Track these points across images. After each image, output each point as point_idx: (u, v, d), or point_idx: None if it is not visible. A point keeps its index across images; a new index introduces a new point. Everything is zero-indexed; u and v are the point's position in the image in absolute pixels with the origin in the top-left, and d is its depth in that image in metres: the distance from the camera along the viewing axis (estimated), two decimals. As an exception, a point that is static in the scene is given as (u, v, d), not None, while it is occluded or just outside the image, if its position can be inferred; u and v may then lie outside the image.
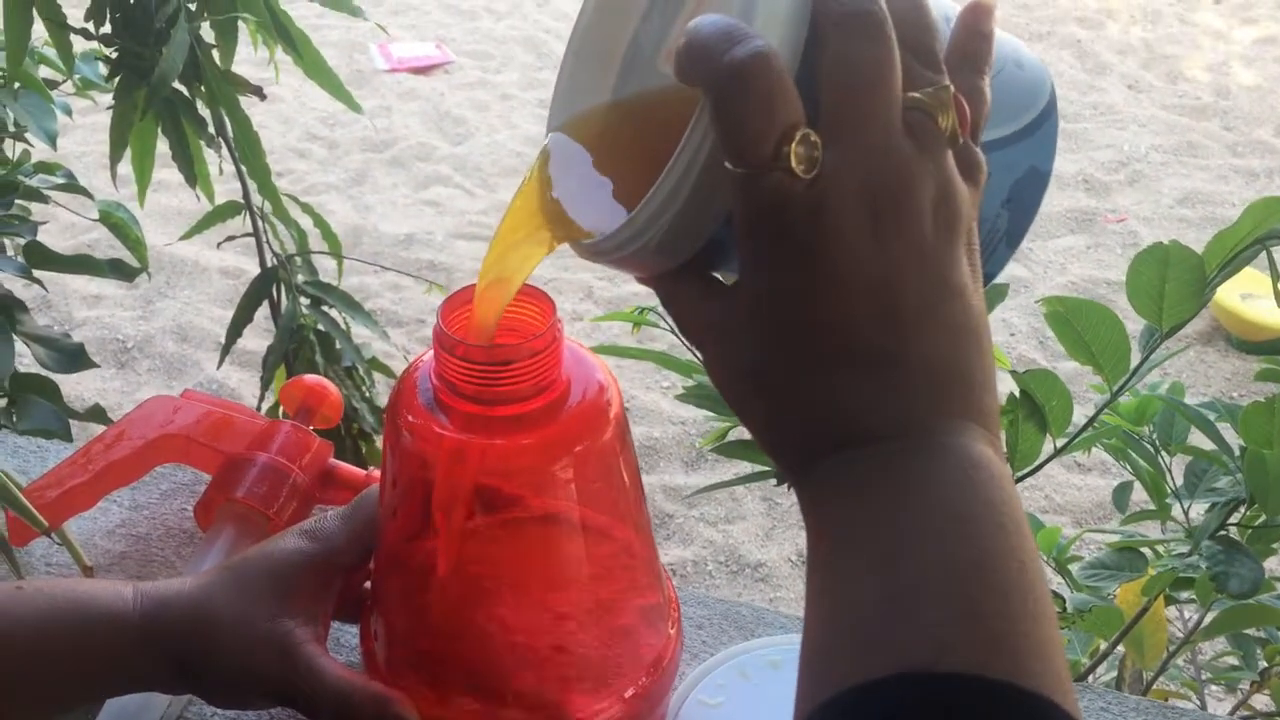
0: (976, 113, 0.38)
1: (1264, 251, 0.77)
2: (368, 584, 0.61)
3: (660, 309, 0.97)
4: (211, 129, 1.28)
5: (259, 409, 1.32)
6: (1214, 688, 1.57)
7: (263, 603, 0.56)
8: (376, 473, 0.72)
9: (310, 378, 0.76)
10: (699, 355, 0.40)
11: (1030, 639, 0.33)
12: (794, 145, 0.34)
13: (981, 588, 0.33)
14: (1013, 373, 0.81)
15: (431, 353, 0.52)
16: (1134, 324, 0.83)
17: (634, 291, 2.81)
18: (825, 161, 0.35)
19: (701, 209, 0.37)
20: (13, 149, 1.31)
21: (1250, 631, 1.04)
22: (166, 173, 1.68)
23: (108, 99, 1.32)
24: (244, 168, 1.30)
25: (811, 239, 0.35)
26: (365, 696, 0.54)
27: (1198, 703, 1.08)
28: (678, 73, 0.35)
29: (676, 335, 0.95)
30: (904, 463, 0.36)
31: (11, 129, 1.28)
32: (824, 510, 0.37)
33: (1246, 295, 2.60)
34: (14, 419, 1.12)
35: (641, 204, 0.37)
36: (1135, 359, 0.83)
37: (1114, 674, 1.05)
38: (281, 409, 0.78)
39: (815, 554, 0.37)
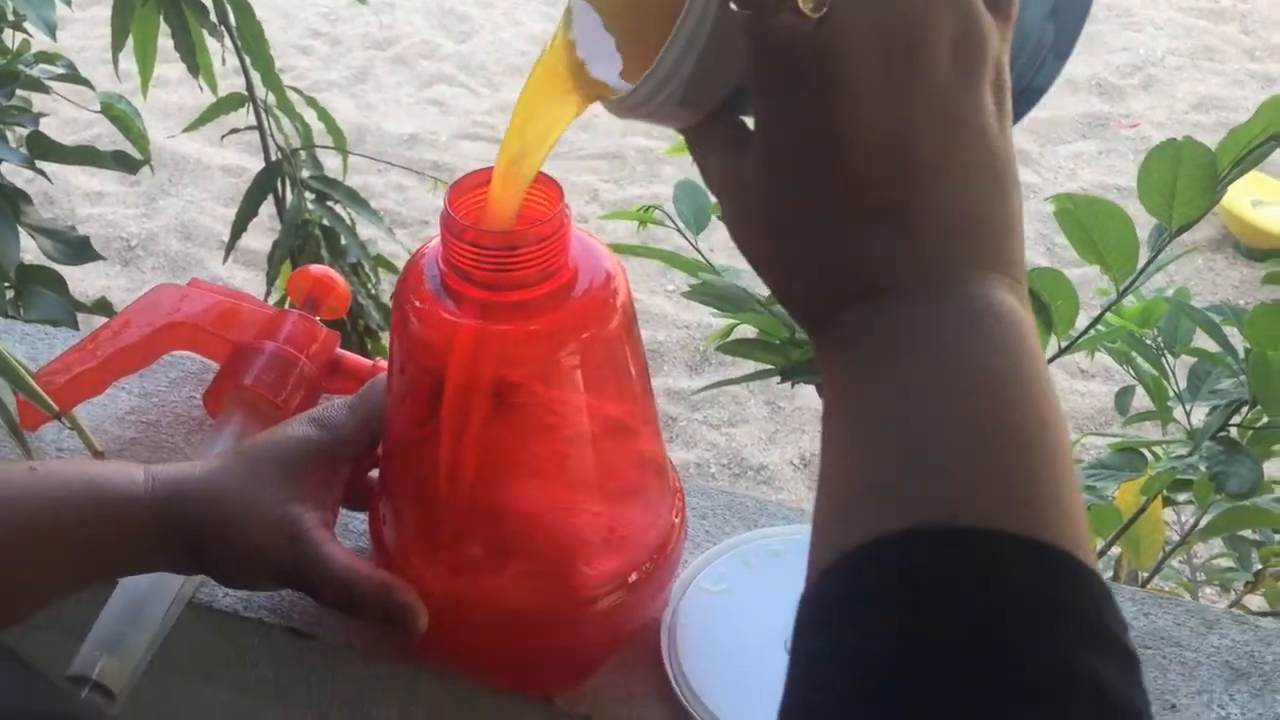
0: None
1: (1277, 149, 0.76)
2: (375, 472, 0.62)
3: (667, 206, 0.96)
4: (214, 17, 1.26)
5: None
6: (1208, 590, 1.59)
7: (272, 488, 0.56)
8: (383, 363, 0.72)
9: (316, 268, 0.76)
10: (722, 213, 0.39)
11: (1047, 490, 0.32)
12: None
13: (997, 441, 0.33)
14: (1020, 271, 0.81)
15: (438, 239, 0.52)
16: (1143, 230, 0.82)
17: (639, 194, 2.80)
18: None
19: (719, 57, 0.36)
20: (12, 39, 1.29)
21: (1245, 533, 1.05)
22: (168, 68, 1.66)
23: (107, -11, 1.29)
24: (247, 58, 1.29)
25: (820, 84, 0.34)
26: (371, 583, 0.55)
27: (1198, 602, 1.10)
28: None
29: (688, 239, 0.94)
30: (920, 313, 0.35)
31: (10, 18, 1.26)
32: (840, 363, 0.36)
33: (1257, 202, 2.58)
34: (20, 310, 1.12)
35: (660, 55, 0.36)
36: (1143, 261, 0.82)
37: (1110, 573, 1.07)
38: (289, 301, 0.78)
39: (831, 408, 0.36)
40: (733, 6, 0.34)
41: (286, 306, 0.76)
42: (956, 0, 0.35)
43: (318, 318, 0.74)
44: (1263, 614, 1.11)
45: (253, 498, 0.56)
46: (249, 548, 0.55)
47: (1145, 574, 1.01)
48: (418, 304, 0.52)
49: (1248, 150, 0.76)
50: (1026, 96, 0.41)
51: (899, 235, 0.35)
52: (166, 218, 2.75)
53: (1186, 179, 0.74)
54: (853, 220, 0.36)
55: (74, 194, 2.81)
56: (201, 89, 1.37)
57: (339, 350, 0.73)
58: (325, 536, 0.56)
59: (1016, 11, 0.37)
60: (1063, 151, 2.97)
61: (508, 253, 0.49)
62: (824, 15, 0.34)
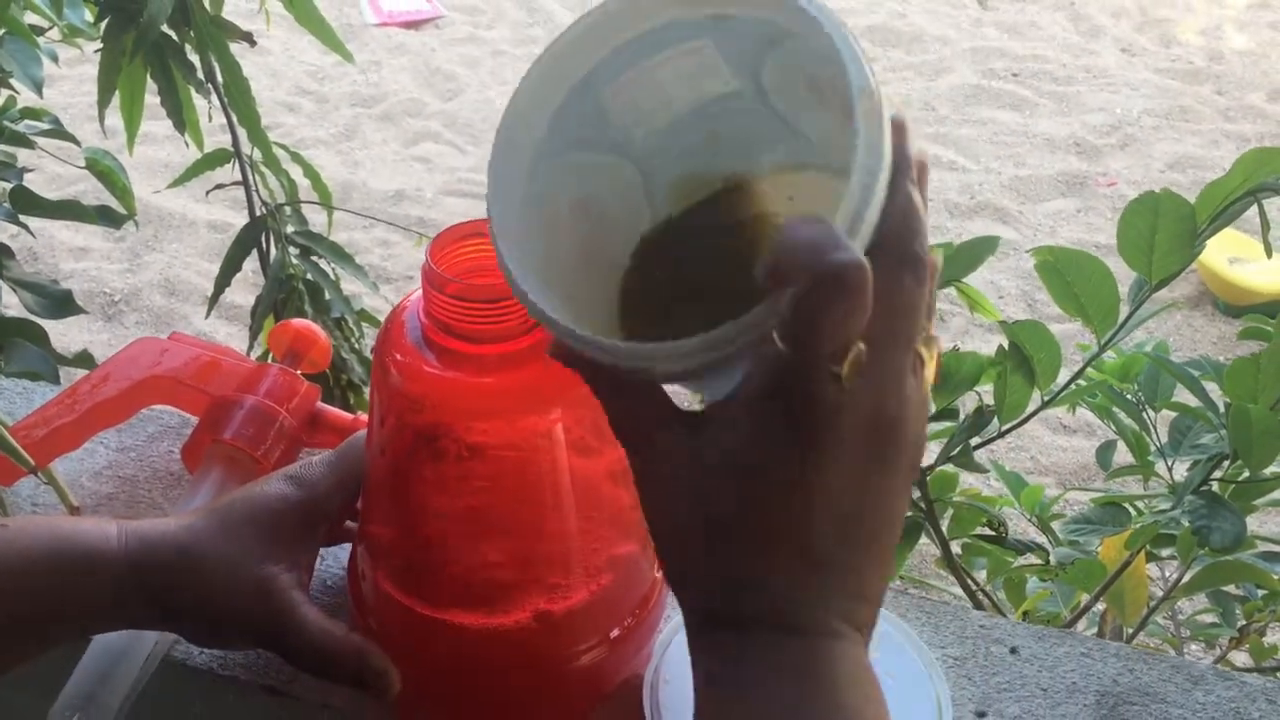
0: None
1: (1254, 205, 0.77)
2: (351, 524, 0.61)
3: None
4: (200, 75, 1.27)
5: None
6: (1193, 646, 1.59)
7: (248, 548, 0.56)
8: (364, 417, 0.72)
9: (298, 321, 0.76)
10: (634, 460, 0.41)
11: None
12: (850, 356, 0.36)
13: None
14: (1002, 323, 0.82)
15: (419, 292, 0.52)
16: (1123, 286, 0.83)
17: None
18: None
19: (729, 363, 0.38)
20: (-2, 95, 1.30)
21: (1229, 589, 1.04)
22: (154, 125, 1.67)
23: (94, 47, 1.30)
24: (233, 114, 1.29)
25: (818, 436, 0.37)
26: (344, 647, 0.55)
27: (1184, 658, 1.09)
28: (780, 246, 0.36)
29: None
30: (816, 657, 0.39)
31: (-4, 74, 1.27)
32: (725, 668, 0.39)
33: (1234, 259, 2.61)
34: (1, 362, 1.11)
35: (674, 344, 0.38)
36: (1124, 315, 0.83)
37: (1094, 629, 1.06)
38: (270, 355, 0.78)
39: (704, 701, 0.40)
40: (782, 346, 0.36)
41: (269, 360, 0.76)
42: (921, 404, 0.39)
43: (299, 371, 0.73)
44: (1248, 670, 1.11)
45: (228, 558, 0.55)
46: (222, 607, 0.55)
47: (1130, 629, 1.01)
48: (399, 357, 0.52)
49: (1226, 204, 0.77)
50: None
51: (821, 584, 0.39)
52: (151, 273, 2.75)
53: (1165, 232, 0.75)
54: (784, 553, 0.38)
55: (58, 249, 2.81)
56: (188, 145, 1.37)
57: (320, 404, 0.73)
58: (300, 598, 0.56)
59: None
60: (1041, 210, 3.00)
61: (490, 305, 0.49)
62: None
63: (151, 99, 1.32)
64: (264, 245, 1.37)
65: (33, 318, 1.18)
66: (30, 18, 1.31)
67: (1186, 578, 0.95)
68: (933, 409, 0.39)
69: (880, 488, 0.39)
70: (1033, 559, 1.02)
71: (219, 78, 1.28)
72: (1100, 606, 1.01)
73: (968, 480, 1.13)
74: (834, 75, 0.39)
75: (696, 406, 0.41)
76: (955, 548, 0.99)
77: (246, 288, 1.83)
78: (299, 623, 0.55)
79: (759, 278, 0.37)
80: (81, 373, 0.78)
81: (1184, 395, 0.94)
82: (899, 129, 0.39)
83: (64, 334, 2.43)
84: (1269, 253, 0.79)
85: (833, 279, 0.35)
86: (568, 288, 0.43)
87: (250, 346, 1.40)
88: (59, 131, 1.25)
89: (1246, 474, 0.86)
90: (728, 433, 0.38)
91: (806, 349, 0.36)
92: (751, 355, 0.38)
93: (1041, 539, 1.14)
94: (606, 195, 0.46)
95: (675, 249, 0.47)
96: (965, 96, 3.46)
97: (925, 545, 0.98)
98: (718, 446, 0.38)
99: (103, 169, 1.26)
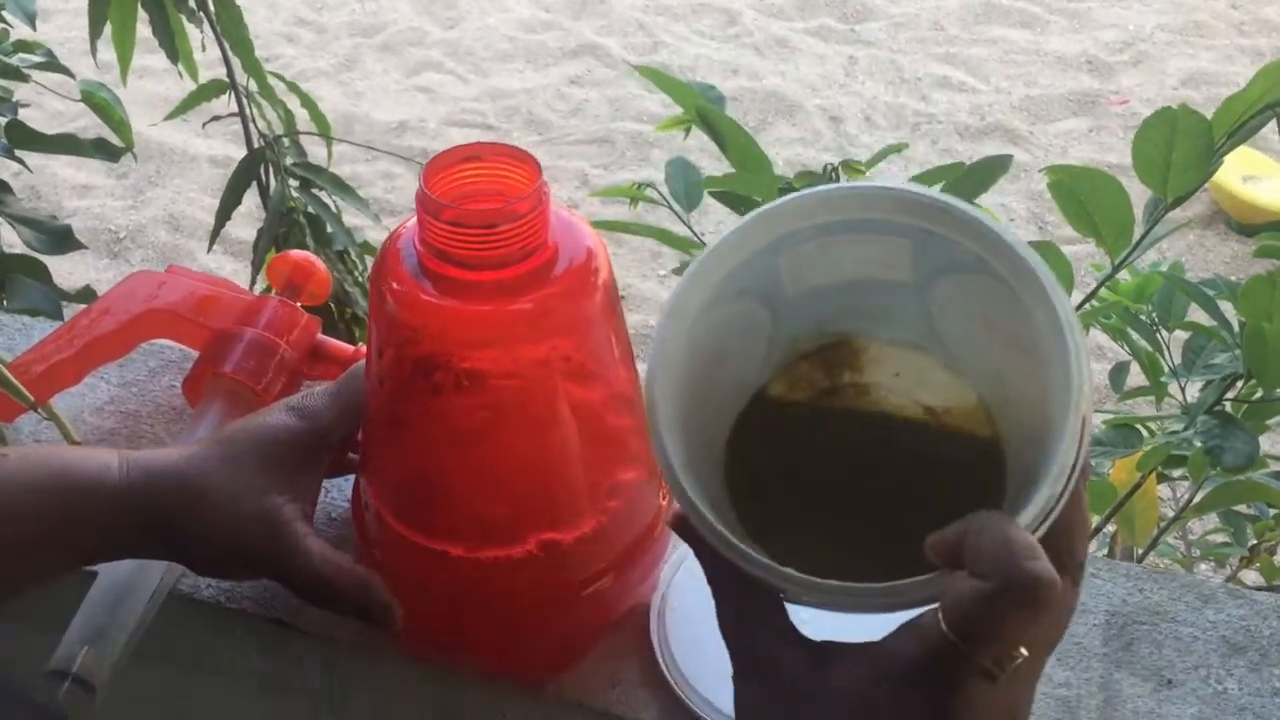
0: None
1: (1273, 119, 0.75)
2: (354, 455, 0.61)
3: (659, 185, 0.95)
4: (192, 3, 1.24)
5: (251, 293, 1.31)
6: (1203, 565, 1.59)
7: (251, 478, 0.55)
8: (365, 348, 0.71)
9: (296, 253, 0.75)
10: (737, 660, 0.41)
11: None
12: (1011, 658, 0.37)
13: None
14: (1012, 245, 0.80)
15: (415, 220, 0.51)
16: (1136, 206, 0.81)
17: (629, 177, 2.78)
18: None
19: (884, 613, 0.39)
20: (-9, 29, 1.27)
21: (1240, 508, 1.04)
22: (150, 58, 1.65)
23: (86, -24, 1.27)
24: (226, 44, 1.27)
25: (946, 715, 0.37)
26: (349, 579, 0.55)
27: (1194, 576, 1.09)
28: (971, 544, 0.37)
29: (680, 217, 0.93)
30: None
31: (-12, 7, 1.25)
32: None
33: (1248, 178, 2.57)
34: (3, 299, 1.11)
35: (845, 584, 0.38)
36: (1138, 235, 0.81)
37: (1104, 550, 1.06)
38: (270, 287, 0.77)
39: None
40: (950, 636, 0.37)
41: (269, 293, 0.75)
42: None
43: (298, 303, 0.72)
44: (1258, 589, 1.11)
45: (232, 487, 0.55)
46: (226, 537, 0.54)
47: (1140, 550, 1.00)
48: (395, 286, 0.51)
49: (1243, 120, 0.75)
50: None
51: None
52: (154, 209, 2.73)
53: (1182, 149, 0.73)
54: None
55: (61, 187, 2.79)
56: (182, 76, 1.35)
57: (320, 336, 0.72)
58: (305, 529, 0.55)
59: None
60: (1053, 129, 2.95)
61: (486, 231, 0.48)
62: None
63: (144, 33, 1.29)
64: (264, 178, 1.35)
65: (34, 254, 1.17)
66: (20, -52, 1.28)
67: (1198, 498, 0.94)
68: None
69: None
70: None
71: (210, 6, 1.25)
72: (1110, 528, 1.01)
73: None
74: (1022, 330, 0.40)
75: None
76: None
77: (250, 221, 1.81)
78: (303, 553, 0.54)
79: (931, 550, 0.38)
80: (84, 308, 0.77)
81: (1197, 315, 0.93)
82: (1085, 423, 0.39)
83: (71, 272, 2.42)
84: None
85: (1023, 589, 0.35)
86: (697, 439, 0.44)
87: (253, 280, 1.39)
88: (53, 64, 1.22)
89: (1260, 394, 0.85)
90: (856, 679, 0.38)
91: (976, 644, 0.36)
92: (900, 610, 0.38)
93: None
94: (736, 343, 0.47)
95: (774, 414, 0.47)
96: (975, 15, 3.39)
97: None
98: (842, 687, 0.38)
99: (98, 101, 1.24)
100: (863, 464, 0.46)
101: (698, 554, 0.41)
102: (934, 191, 0.43)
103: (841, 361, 0.47)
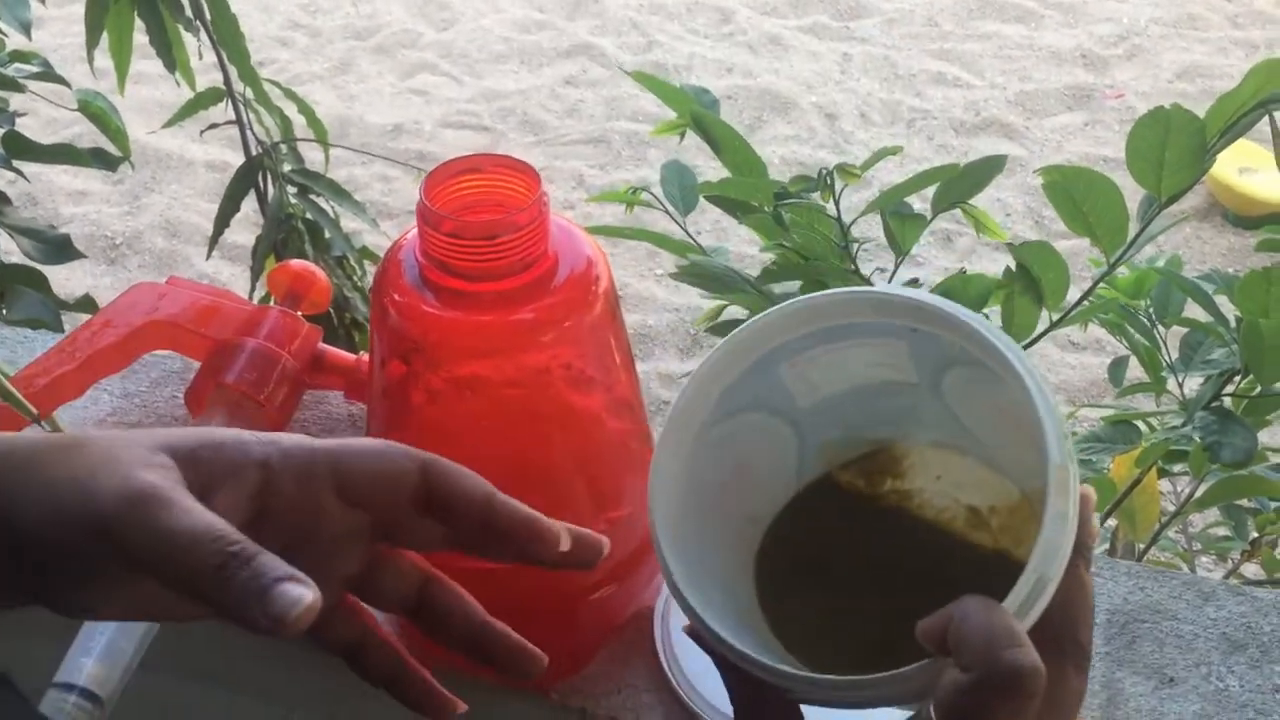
0: None
1: (1265, 117, 0.76)
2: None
3: (655, 189, 0.95)
4: (189, 13, 1.24)
5: (251, 301, 1.31)
6: (1205, 559, 1.59)
7: (136, 449, 0.39)
8: (366, 357, 0.71)
9: (296, 263, 0.75)
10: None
11: None
12: None
13: None
14: (1009, 245, 0.80)
15: (415, 231, 0.51)
16: (1131, 202, 0.81)
17: (625, 178, 2.78)
18: None
19: (873, 703, 0.39)
20: (-14, 39, 1.28)
21: (1241, 502, 1.04)
22: (146, 64, 1.65)
23: (80, -15, 1.28)
24: (223, 52, 1.27)
25: None
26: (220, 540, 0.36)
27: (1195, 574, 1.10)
28: (953, 631, 0.36)
29: (676, 220, 0.93)
30: None
31: (-17, 17, 1.25)
32: None
33: (1244, 169, 2.57)
34: (3, 310, 1.11)
35: (837, 677, 0.39)
36: (1133, 233, 0.82)
37: (1106, 546, 1.06)
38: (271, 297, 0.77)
39: None
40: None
41: (269, 303, 0.75)
42: None
43: (299, 313, 0.73)
44: (1259, 583, 1.11)
45: (104, 454, 0.39)
46: (70, 485, 0.38)
47: (1142, 545, 1.01)
48: (397, 297, 0.51)
49: (1236, 117, 0.75)
50: None
51: None
52: (151, 215, 2.73)
53: (1175, 148, 0.73)
54: None
55: (57, 194, 2.79)
56: (179, 84, 1.35)
57: (321, 345, 0.72)
58: (189, 499, 0.38)
59: None
60: (1048, 124, 2.96)
61: (486, 242, 0.49)
62: None
63: (142, 39, 1.30)
64: (262, 185, 1.36)
65: (32, 264, 1.18)
66: (14, -42, 1.28)
67: (1199, 492, 0.94)
68: None
69: None
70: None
71: (207, 15, 1.25)
72: (1112, 523, 1.01)
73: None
74: (1022, 412, 0.40)
75: None
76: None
77: (248, 227, 1.82)
78: (178, 506, 0.37)
79: (920, 636, 0.38)
80: (84, 317, 0.78)
81: (1195, 310, 0.93)
82: (1085, 503, 0.38)
83: (67, 279, 2.42)
84: (1281, 165, 0.77)
85: (1001, 680, 0.34)
86: (712, 545, 0.45)
87: (252, 288, 1.39)
88: (49, 74, 1.23)
89: (1258, 389, 0.85)
90: None
91: None
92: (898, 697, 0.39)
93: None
94: (759, 454, 0.48)
95: (813, 515, 0.48)
96: (969, 10, 3.40)
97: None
98: None
99: (95, 110, 1.25)
100: (894, 563, 0.47)
101: (707, 651, 0.42)
102: (909, 291, 0.44)
103: (882, 469, 0.48)
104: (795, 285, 0.90)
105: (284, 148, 1.34)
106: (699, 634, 0.41)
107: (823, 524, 0.48)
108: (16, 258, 1.20)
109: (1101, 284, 0.90)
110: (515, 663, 0.46)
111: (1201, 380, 0.92)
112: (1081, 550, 0.39)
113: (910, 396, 0.47)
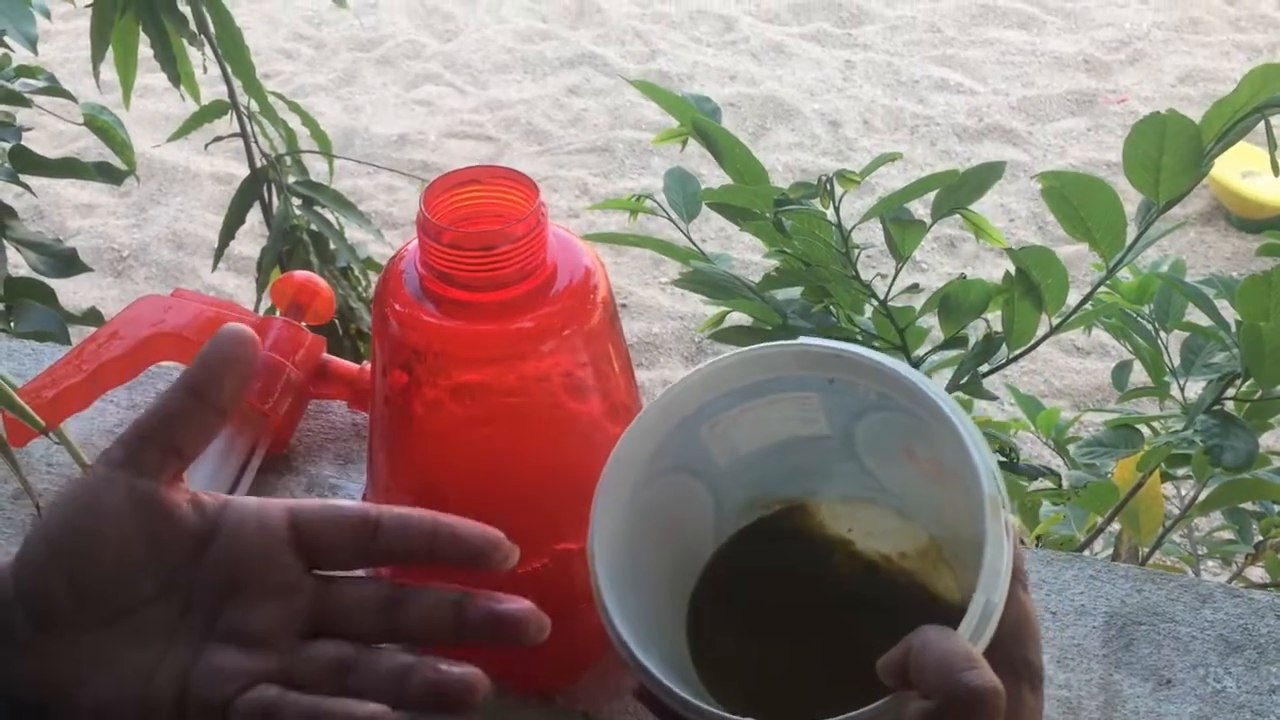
0: None
1: (1263, 121, 0.76)
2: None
3: (658, 196, 0.96)
4: (193, 26, 1.25)
5: (256, 312, 1.32)
6: (1209, 562, 1.59)
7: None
8: (369, 367, 0.72)
9: (300, 274, 0.76)
10: None
11: None
12: None
13: None
14: (1009, 250, 0.81)
15: (416, 242, 0.52)
16: (1132, 206, 0.82)
17: (629, 186, 2.79)
18: None
19: None
20: (-8, 53, 1.29)
21: (1245, 505, 1.05)
22: (154, 78, 1.66)
23: (86, 1, 1.29)
24: (227, 65, 1.28)
25: None
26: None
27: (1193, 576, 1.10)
28: (914, 661, 0.37)
29: (679, 228, 0.94)
30: None
31: (-11, 33, 1.26)
32: None
33: (1247, 173, 2.58)
34: (11, 323, 1.12)
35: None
36: (1132, 237, 0.82)
37: (1110, 550, 1.07)
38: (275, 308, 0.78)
39: None
40: None
41: (274, 314, 0.76)
42: None
43: (303, 323, 0.73)
44: (1263, 586, 1.11)
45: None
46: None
47: (1146, 549, 1.01)
48: (398, 307, 0.52)
49: (1233, 122, 0.75)
50: None
51: None
52: (157, 227, 2.74)
53: (1172, 154, 0.74)
54: None
55: (64, 207, 2.81)
56: (184, 98, 1.36)
57: (326, 355, 0.73)
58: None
59: None
60: (1051, 129, 2.96)
61: (485, 252, 0.49)
62: None
63: (147, 52, 1.31)
64: (266, 197, 1.36)
65: (40, 277, 1.18)
66: (20, -27, 1.29)
67: (1202, 496, 0.95)
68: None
69: None
70: (1045, 483, 1.03)
71: (211, 29, 1.26)
72: (1116, 527, 1.02)
73: (980, 407, 1.13)
74: (939, 455, 0.42)
75: None
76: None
77: (254, 239, 1.83)
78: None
79: (881, 673, 0.39)
80: (91, 330, 0.78)
81: (1196, 315, 0.93)
82: (1013, 531, 0.40)
83: (75, 292, 2.43)
84: (1276, 171, 0.78)
85: (963, 703, 0.35)
86: (648, 606, 0.47)
87: (258, 300, 1.40)
88: (55, 88, 1.24)
89: (1259, 393, 0.86)
90: None
91: None
92: None
93: (1057, 462, 1.14)
94: (683, 515, 0.50)
95: (735, 570, 0.50)
96: (971, 16, 3.40)
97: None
98: None
99: (101, 124, 1.26)
100: (822, 610, 0.49)
101: (658, 713, 0.43)
102: (828, 341, 0.46)
103: (795, 525, 0.50)
104: (797, 291, 0.91)
105: (289, 159, 1.35)
106: (649, 693, 0.42)
107: (747, 578, 0.50)
108: (24, 271, 1.22)
109: (1103, 288, 0.90)
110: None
111: (1203, 384, 0.92)
112: (1017, 574, 0.40)
113: (822, 452, 0.49)
